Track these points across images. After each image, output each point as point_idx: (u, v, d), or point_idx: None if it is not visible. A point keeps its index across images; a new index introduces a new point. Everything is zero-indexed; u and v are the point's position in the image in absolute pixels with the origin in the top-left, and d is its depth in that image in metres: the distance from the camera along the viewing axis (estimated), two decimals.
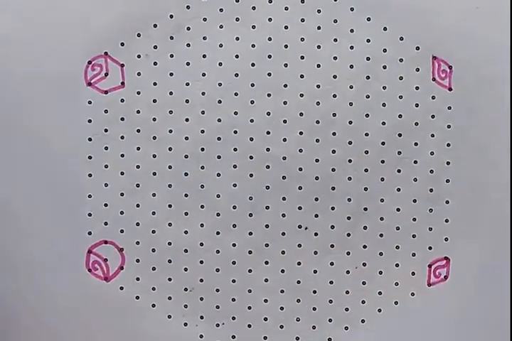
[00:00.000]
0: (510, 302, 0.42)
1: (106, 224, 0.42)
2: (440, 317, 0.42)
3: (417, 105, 0.41)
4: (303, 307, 0.42)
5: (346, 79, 0.41)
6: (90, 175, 0.42)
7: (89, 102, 0.41)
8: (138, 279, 0.42)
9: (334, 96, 0.41)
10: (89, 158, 0.42)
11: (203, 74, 0.41)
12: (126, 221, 0.42)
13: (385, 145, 0.41)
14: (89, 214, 0.42)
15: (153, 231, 0.42)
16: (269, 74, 0.41)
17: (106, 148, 0.42)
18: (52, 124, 0.41)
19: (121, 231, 0.42)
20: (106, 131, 0.42)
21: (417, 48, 0.41)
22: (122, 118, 0.41)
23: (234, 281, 0.42)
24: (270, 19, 0.41)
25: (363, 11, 0.41)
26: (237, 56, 0.41)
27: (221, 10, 0.41)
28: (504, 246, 0.42)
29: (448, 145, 0.42)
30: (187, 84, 0.41)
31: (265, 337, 0.42)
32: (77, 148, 0.42)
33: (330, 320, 0.42)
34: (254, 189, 0.42)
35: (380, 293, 0.42)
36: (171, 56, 0.41)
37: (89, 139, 0.42)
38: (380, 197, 0.42)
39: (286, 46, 0.41)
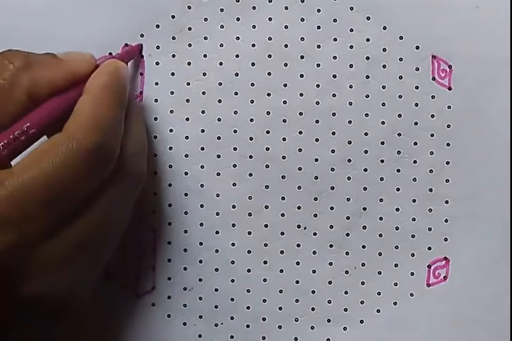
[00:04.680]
0: (510, 302, 0.41)
1: None
2: (440, 318, 0.42)
3: (416, 105, 0.41)
4: (301, 307, 0.42)
5: (346, 79, 0.41)
6: None
7: None
8: (138, 278, 0.42)
9: (334, 95, 0.41)
10: None
11: (204, 74, 0.41)
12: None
13: (385, 145, 0.41)
14: None
15: (154, 231, 0.42)
16: (269, 74, 0.41)
17: None
18: None
19: None
20: None
21: (417, 47, 0.41)
22: None
23: (233, 281, 0.42)
24: (270, 19, 0.41)
25: (362, 10, 0.41)
26: (237, 56, 0.41)
27: (222, 10, 0.41)
28: (504, 246, 0.41)
29: (448, 145, 0.41)
30: (188, 83, 0.41)
31: (264, 337, 0.42)
32: None
33: (328, 321, 0.42)
34: (254, 188, 0.42)
35: (379, 294, 0.42)
36: (173, 56, 0.41)
37: None
38: (379, 197, 0.42)
39: (286, 46, 0.41)
